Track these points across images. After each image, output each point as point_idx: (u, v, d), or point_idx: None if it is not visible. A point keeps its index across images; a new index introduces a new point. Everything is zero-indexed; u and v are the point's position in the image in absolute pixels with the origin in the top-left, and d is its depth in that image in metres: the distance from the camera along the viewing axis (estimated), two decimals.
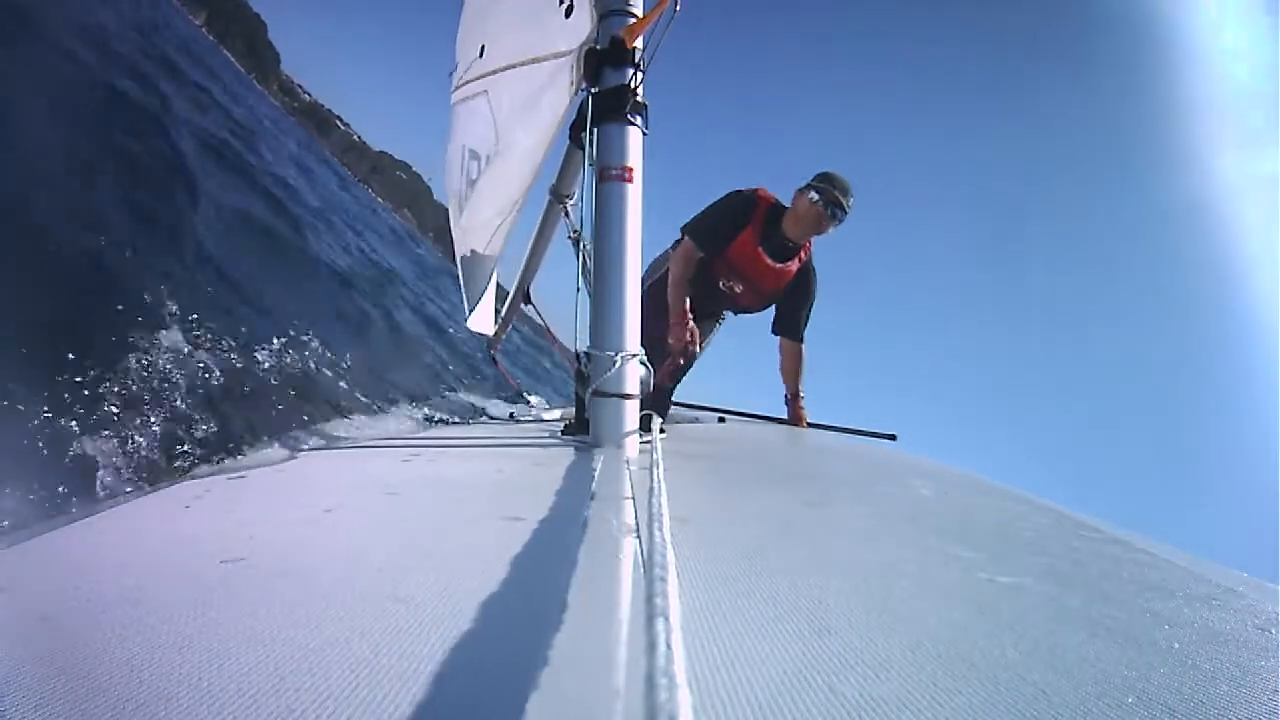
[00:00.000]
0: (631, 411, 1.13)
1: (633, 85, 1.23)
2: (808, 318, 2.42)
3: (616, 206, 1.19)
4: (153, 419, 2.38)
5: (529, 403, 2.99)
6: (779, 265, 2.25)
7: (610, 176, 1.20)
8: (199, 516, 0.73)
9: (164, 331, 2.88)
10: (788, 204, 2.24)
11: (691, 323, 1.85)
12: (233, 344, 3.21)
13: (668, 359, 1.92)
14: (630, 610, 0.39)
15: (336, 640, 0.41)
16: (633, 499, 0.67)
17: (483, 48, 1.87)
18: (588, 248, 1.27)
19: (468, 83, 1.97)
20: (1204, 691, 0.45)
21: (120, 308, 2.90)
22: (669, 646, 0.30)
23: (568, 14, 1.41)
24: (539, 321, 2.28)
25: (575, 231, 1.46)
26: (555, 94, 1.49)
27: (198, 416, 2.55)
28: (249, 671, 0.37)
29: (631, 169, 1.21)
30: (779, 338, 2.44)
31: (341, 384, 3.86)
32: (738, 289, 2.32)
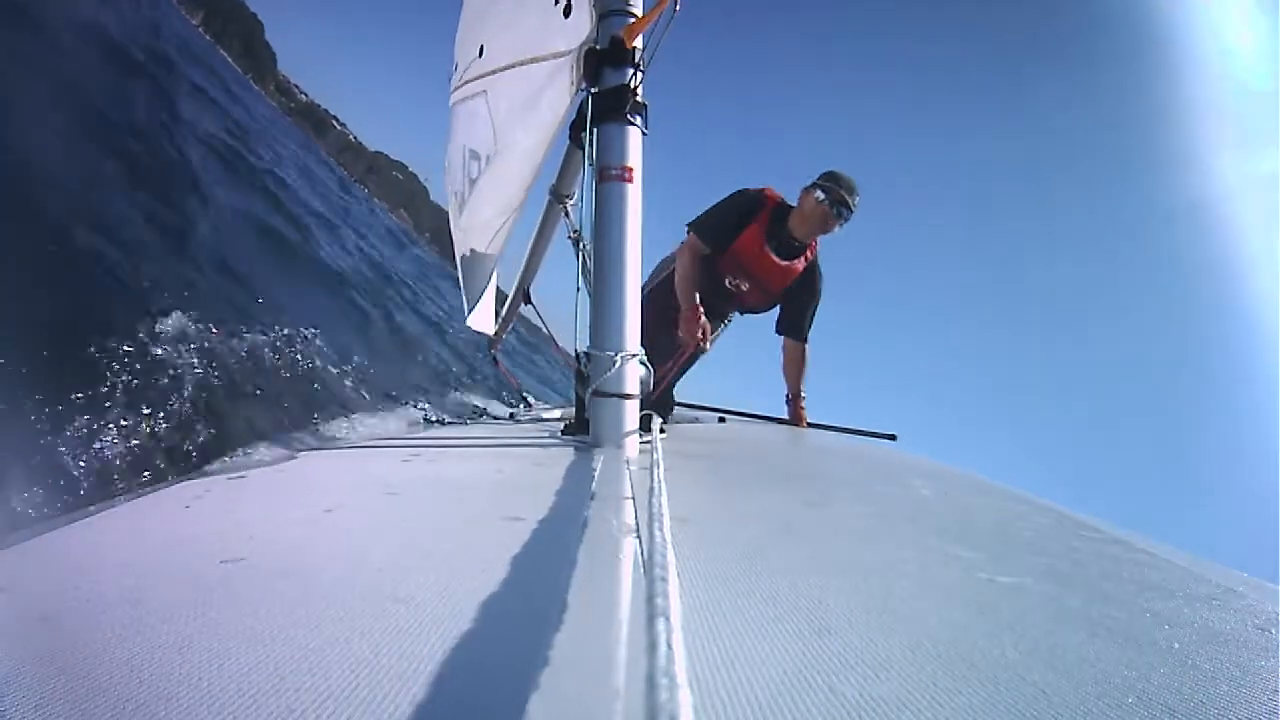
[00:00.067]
0: (631, 411, 1.13)
1: (632, 85, 1.23)
2: (812, 318, 2.42)
3: (616, 206, 1.19)
4: (153, 418, 2.38)
5: (529, 403, 2.99)
6: (785, 263, 2.26)
7: (610, 176, 1.20)
8: (199, 516, 0.73)
9: (164, 332, 2.88)
10: (793, 204, 2.25)
11: (704, 318, 1.84)
12: (233, 344, 3.21)
13: (675, 351, 1.90)
14: (630, 610, 0.39)
15: (336, 640, 0.41)
16: (633, 499, 0.67)
17: (481, 47, 1.87)
18: (588, 248, 1.27)
19: (467, 83, 1.97)
20: (1204, 691, 0.45)
21: (121, 307, 2.90)
22: (669, 646, 0.30)
23: (566, 14, 1.41)
24: (534, 322, 2.28)
25: (575, 231, 1.46)
26: (554, 94, 1.49)
27: (198, 416, 2.55)
28: (249, 671, 0.37)
29: (631, 169, 1.21)
30: (783, 337, 2.43)
31: (342, 384, 3.86)
32: (744, 287, 2.32)
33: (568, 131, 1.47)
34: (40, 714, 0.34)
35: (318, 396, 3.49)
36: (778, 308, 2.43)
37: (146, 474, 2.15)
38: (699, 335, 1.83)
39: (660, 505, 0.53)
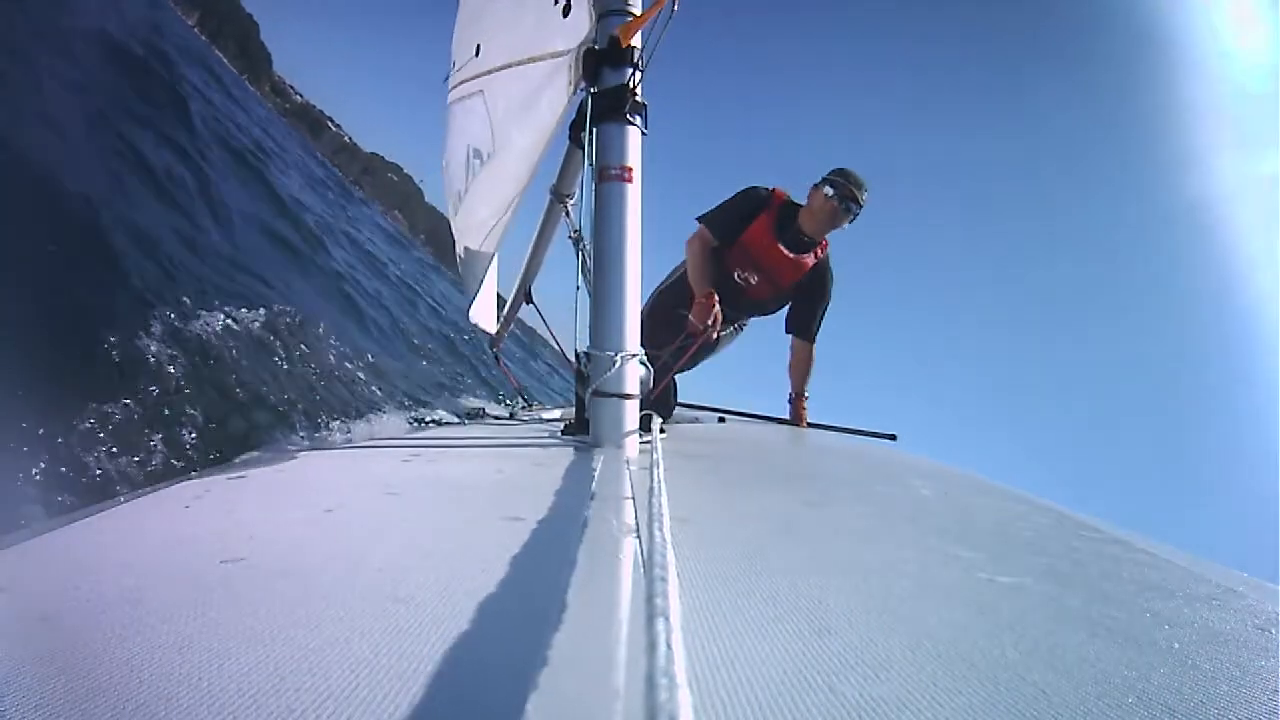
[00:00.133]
0: (631, 411, 1.13)
1: (632, 85, 1.23)
2: (821, 319, 2.43)
3: (616, 206, 1.19)
4: (153, 418, 2.38)
5: (529, 403, 2.99)
6: (795, 256, 2.27)
7: (610, 176, 1.20)
8: (199, 516, 0.73)
9: (165, 332, 2.88)
10: (802, 203, 2.28)
11: (717, 308, 1.84)
12: (233, 344, 3.21)
13: (679, 337, 1.89)
14: (630, 610, 0.39)
15: (336, 640, 0.41)
16: (633, 499, 0.67)
17: (479, 47, 1.87)
18: (588, 247, 1.27)
19: (464, 82, 1.97)
20: (1204, 691, 0.45)
21: (121, 308, 2.90)
22: (669, 646, 0.30)
23: (565, 13, 1.41)
24: (535, 322, 2.28)
25: (575, 231, 1.46)
26: (553, 94, 1.48)
27: (198, 416, 2.55)
28: (249, 671, 0.37)
29: (631, 169, 1.21)
30: (791, 336, 2.44)
31: (343, 384, 3.86)
32: (752, 280, 2.32)
33: (567, 131, 1.47)
34: (40, 714, 0.34)
35: (319, 396, 3.49)
36: (787, 307, 2.43)
37: (146, 473, 2.15)
38: (710, 321, 1.82)
39: (660, 505, 0.53)
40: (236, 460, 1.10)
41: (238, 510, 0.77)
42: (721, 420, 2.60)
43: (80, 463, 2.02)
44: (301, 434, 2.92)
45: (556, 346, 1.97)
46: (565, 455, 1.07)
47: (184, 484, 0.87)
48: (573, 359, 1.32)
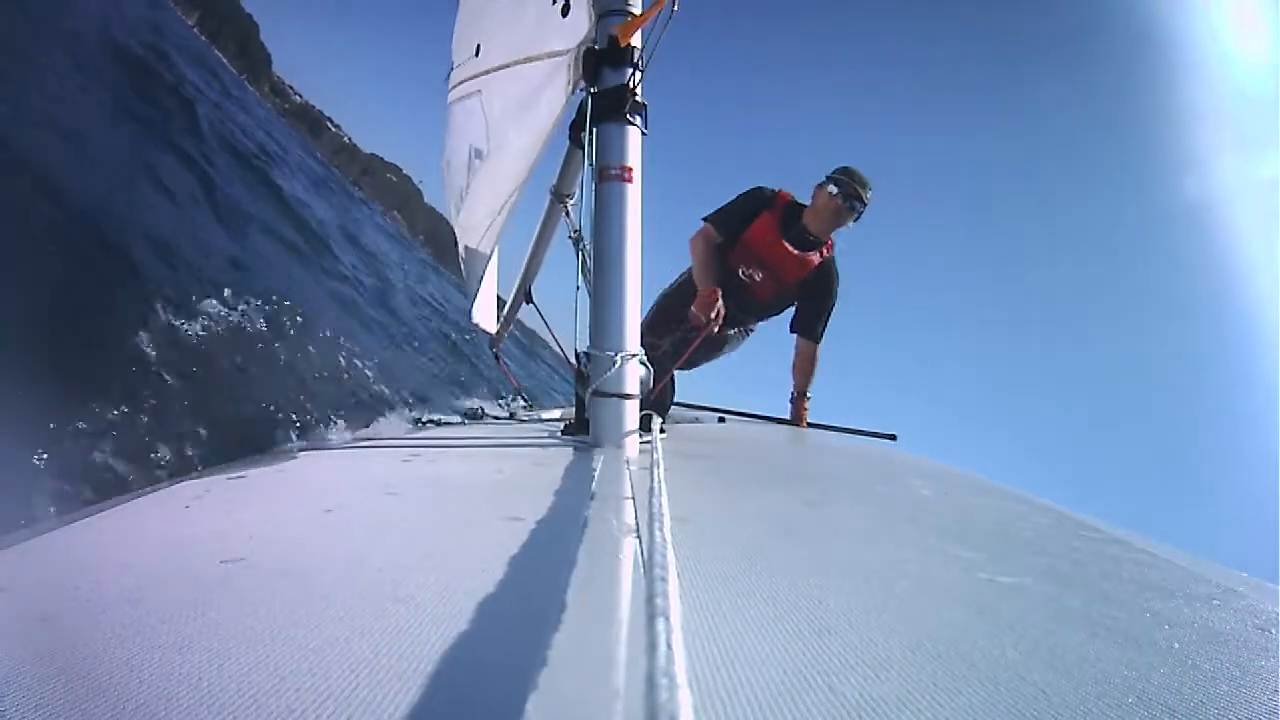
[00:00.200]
0: (631, 411, 1.13)
1: (632, 85, 1.23)
2: (827, 320, 2.43)
3: (616, 206, 1.19)
4: (153, 418, 2.38)
5: (529, 403, 2.99)
6: (799, 253, 2.27)
7: (610, 176, 1.20)
8: (199, 516, 0.73)
9: (165, 331, 2.88)
10: (806, 203, 2.29)
11: (720, 303, 1.85)
12: (232, 343, 3.21)
13: (685, 331, 1.89)
14: (630, 610, 0.39)
15: (336, 640, 0.41)
16: (633, 499, 0.67)
17: (478, 47, 1.87)
18: (588, 247, 1.27)
19: (463, 82, 1.97)
20: (1204, 691, 0.45)
21: (121, 308, 2.90)
22: (669, 646, 0.30)
23: (564, 13, 1.41)
24: (536, 322, 2.29)
25: (575, 231, 1.46)
26: (552, 94, 1.48)
27: (198, 416, 2.55)
28: (249, 672, 0.37)
29: (631, 169, 1.21)
30: (796, 336, 2.44)
31: (343, 384, 3.86)
32: (757, 277, 2.33)
33: (567, 131, 1.47)
34: (40, 714, 0.34)
35: (319, 397, 3.49)
36: (793, 307, 2.44)
37: (148, 472, 2.15)
38: (713, 314, 1.83)
39: (660, 505, 0.53)
40: (236, 460, 1.10)
41: (238, 510, 0.77)
42: (721, 420, 2.60)
43: (81, 463, 2.02)
44: (301, 434, 2.92)
45: (557, 347, 1.97)
46: (565, 455, 1.07)
47: (184, 484, 0.87)
48: (573, 359, 1.32)
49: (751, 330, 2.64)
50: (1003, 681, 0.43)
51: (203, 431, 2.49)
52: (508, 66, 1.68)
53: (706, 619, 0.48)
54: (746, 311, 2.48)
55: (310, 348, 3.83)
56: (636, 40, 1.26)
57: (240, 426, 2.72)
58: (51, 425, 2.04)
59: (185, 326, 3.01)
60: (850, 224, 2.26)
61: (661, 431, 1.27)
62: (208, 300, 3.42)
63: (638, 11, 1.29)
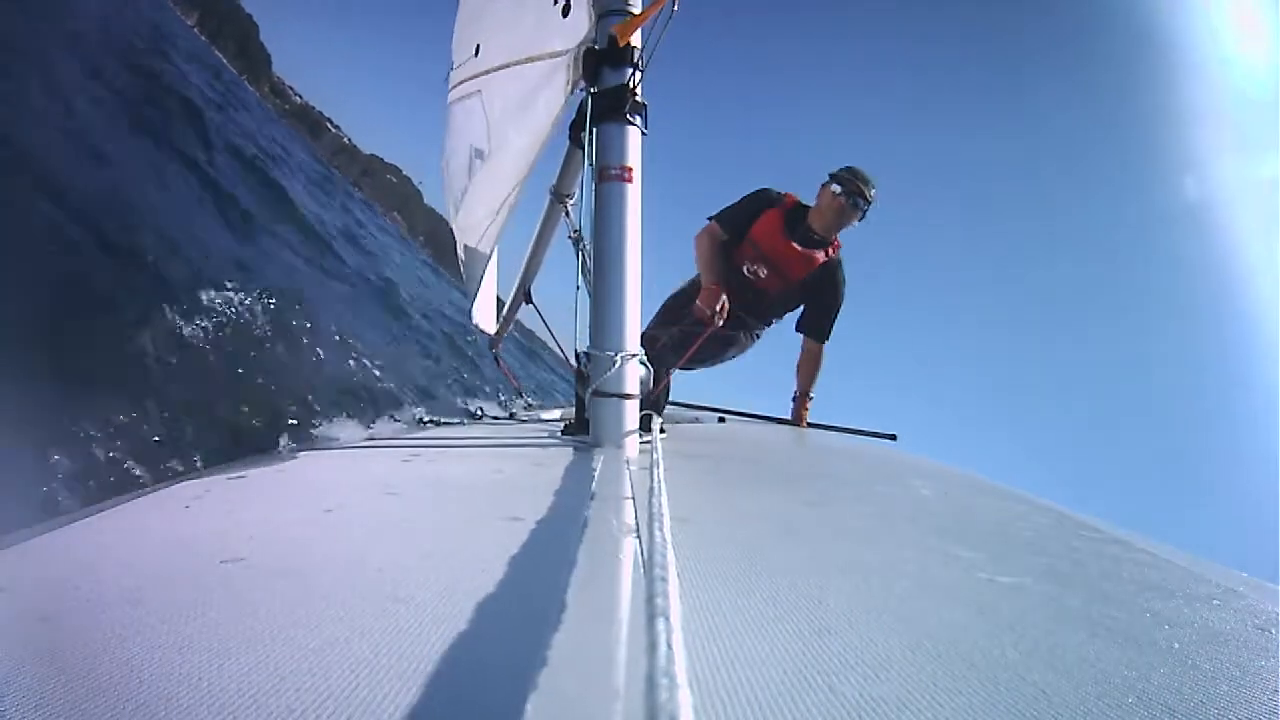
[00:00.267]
0: (631, 411, 1.13)
1: (632, 85, 1.23)
2: (834, 321, 2.44)
3: (616, 206, 1.19)
4: (153, 418, 2.37)
5: (529, 403, 2.99)
6: (804, 250, 2.28)
7: (610, 176, 1.20)
8: (199, 516, 0.73)
9: (164, 331, 2.88)
10: (811, 205, 2.30)
11: (724, 297, 1.85)
12: (232, 343, 3.21)
13: (690, 325, 1.90)
14: (630, 610, 0.39)
15: (336, 640, 0.41)
16: (633, 499, 0.67)
17: (478, 47, 1.87)
18: (588, 248, 1.27)
19: (462, 82, 1.97)
20: (1204, 691, 0.45)
21: (121, 308, 2.90)
22: (669, 646, 0.30)
23: (565, 13, 1.41)
24: (535, 323, 2.28)
25: (575, 231, 1.45)
26: (551, 93, 1.48)
27: (198, 416, 2.55)
28: (249, 672, 0.37)
29: (631, 169, 1.21)
30: (803, 336, 2.45)
31: (343, 384, 3.86)
32: (762, 274, 2.33)
33: (567, 131, 1.47)
34: (40, 714, 0.34)
35: (320, 396, 3.49)
36: (800, 308, 2.45)
37: (146, 473, 2.15)
38: (717, 308, 1.83)
39: (660, 505, 0.53)
40: (236, 460, 1.10)
41: (238, 510, 0.77)
42: (721, 420, 2.60)
43: (82, 463, 2.02)
44: (302, 434, 2.92)
45: (557, 347, 1.97)
46: (565, 455, 1.07)
47: (184, 484, 0.87)
48: (573, 359, 1.32)
49: (758, 336, 2.63)
50: (1003, 681, 0.43)
51: (204, 431, 2.49)
52: (508, 66, 1.68)
53: (706, 619, 0.48)
54: (751, 309, 2.48)
55: (312, 347, 3.83)
56: (636, 40, 1.26)
57: (241, 426, 2.72)
58: (54, 425, 2.04)
59: (183, 328, 3.01)
60: (855, 222, 2.27)
61: (661, 431, 1.27)
62: (208, 301, 3.42)
63: (638, 11, 1.29)
